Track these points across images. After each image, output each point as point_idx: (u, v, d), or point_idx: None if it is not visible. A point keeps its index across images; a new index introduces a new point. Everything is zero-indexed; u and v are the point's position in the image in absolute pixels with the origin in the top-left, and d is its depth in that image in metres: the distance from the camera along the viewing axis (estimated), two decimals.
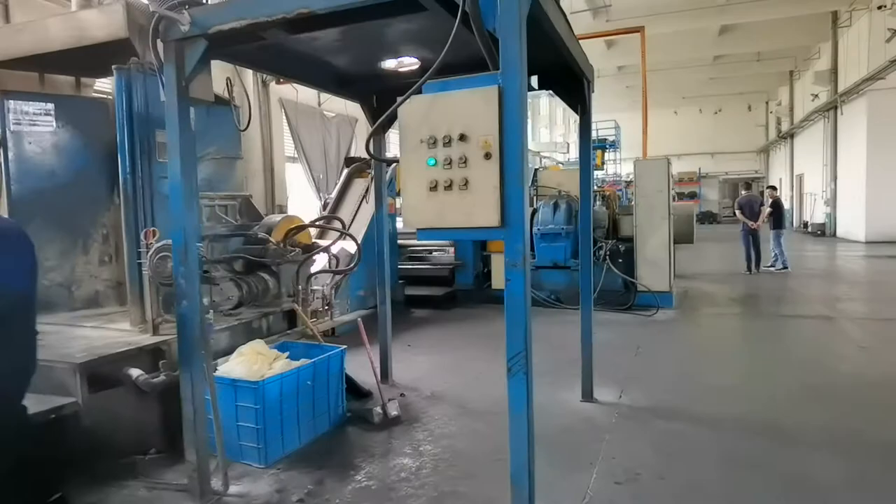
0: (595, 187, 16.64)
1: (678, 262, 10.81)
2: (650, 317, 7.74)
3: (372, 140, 4.19)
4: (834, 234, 20.60)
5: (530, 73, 4.59)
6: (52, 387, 3.37)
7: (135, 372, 3.69)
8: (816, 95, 22.11)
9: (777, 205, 12.11)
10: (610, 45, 22.53)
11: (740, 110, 34.55)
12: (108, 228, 5.16)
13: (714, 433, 3.92)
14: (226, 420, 3.68)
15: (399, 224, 9.60)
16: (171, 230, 3.25)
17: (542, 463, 3.51)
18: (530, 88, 4.73)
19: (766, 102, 33.66)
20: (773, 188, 12.96)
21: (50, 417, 3.22)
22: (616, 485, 3.24)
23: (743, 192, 12.53)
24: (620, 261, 8.65)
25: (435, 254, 10.17)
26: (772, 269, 11.97)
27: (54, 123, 4.90)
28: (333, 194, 8.97)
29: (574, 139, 28.90)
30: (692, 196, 34.98)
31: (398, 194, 9.16)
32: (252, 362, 3.86)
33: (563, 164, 25.66)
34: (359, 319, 4.84)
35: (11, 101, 4.60)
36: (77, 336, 4.21)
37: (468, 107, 2.33)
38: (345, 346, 4.33)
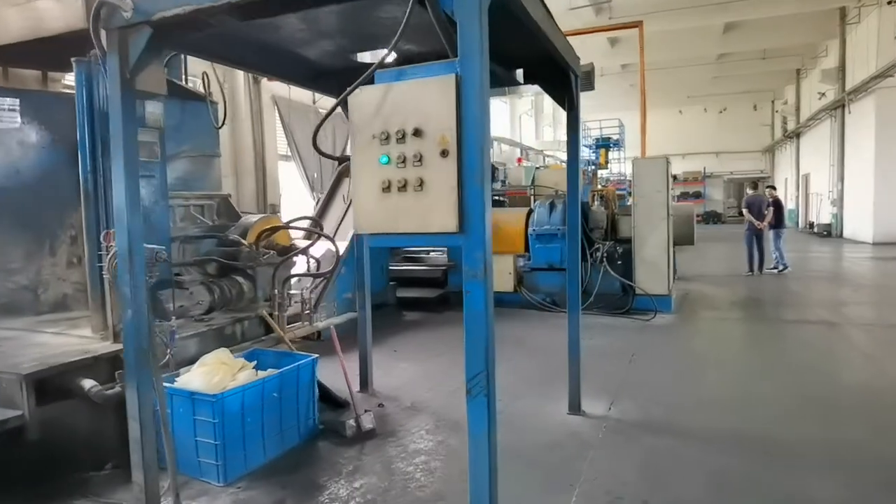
0: (599, 186, 16.41)
1: (679, 263, 10.54)
2: (648, 321, 7.48)
3: (330, 134, 3.95)
4: (840, 235, 20.24)
5: (514, 67, 4.37)
6: None
7: (88, 383, 3.47)
8: (823, 94, 21.74)
9: (777, 204, 11.83)
10: (613, 43, 22.26)
11: (746, 109, 34.18)
12: (76, 229, 4.94)
13: (706, 449, 3.67)
14: (184, 435, 3.47)
15: None
16: (116, 234, 3.00)
17: (519, 483, 3.29)
18: (514, 83, 4.50)
19: (772, 101, 33.26)
20: (773, 188, 12.67)
21: None
22: None
23: (749, 192, 12.24)
24: (619, 262, 8.39)
25: (432, 255, 9.94)
26: (774, 270, 11.69)
27: (19, 119, 4.70)
28: (323, 194, 8.75)
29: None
30: (697, 196, 34.64)
31: None
32: (214, 373, 3.64)
33: (565, 162, 25.38)
34: (332, 327, 4.61)
35: None
36: (35, 343, 4.00)
37: (423, 98, 2.10)
38: (317, 355, 4.10)
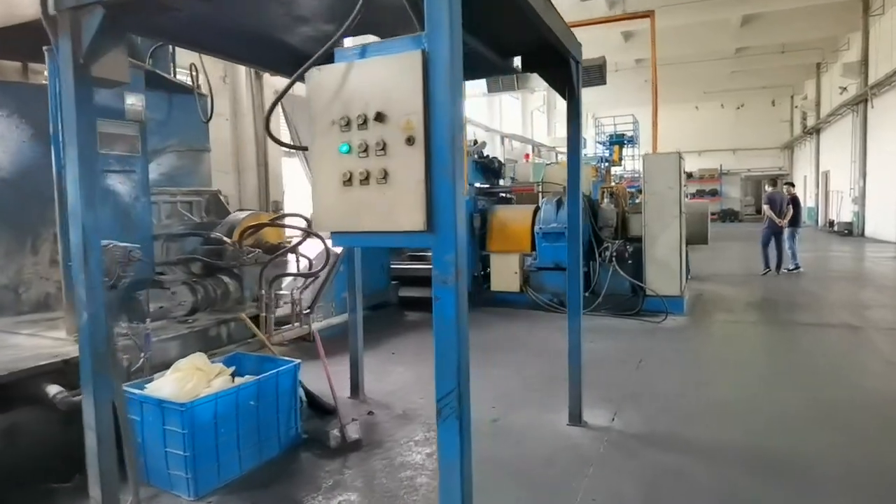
0: (613, 183, 16.03)
1: (693, 262, 10.18)
2: (658, 324, 7.17)
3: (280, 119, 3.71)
4: (862, 234, 19.65)
5: (511, 54, 4.09)
6: None
7: (53, 389, 3.27)
8: (845, 88, 21.11)
9: (795, 202, 11.42)
10: (627, 37, 21.82)
11: (764, 105, 33.45)
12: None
13: (714, 467, 3.37)
14: (154, 445, 3.26)
15: None
16: (70, 231, 2.79)
17: (508, 503, 3.05)
18: (511, 71, 4.23)
19: (791, 97, 32.52)
20: (791, 184, 12.22)
21: None
22: None
23: (769, 189, 11.86)
24: (629, 262, 8.07)
25: None
26: (794, 269, 11.29)
27: None
28: None
29: (592, 133, 28.25)
30: (713, 193, 34.00)
31: None
32: (187, 379, 3.42)
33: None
34: (314, 331, 4.39)
35: None
36: (7, 345, 3.81)
37: (386, 78, 1.85)
38: (298, 361, 3.87)
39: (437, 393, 1.86)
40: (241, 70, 10.05)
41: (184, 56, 5.82)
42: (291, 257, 5.07)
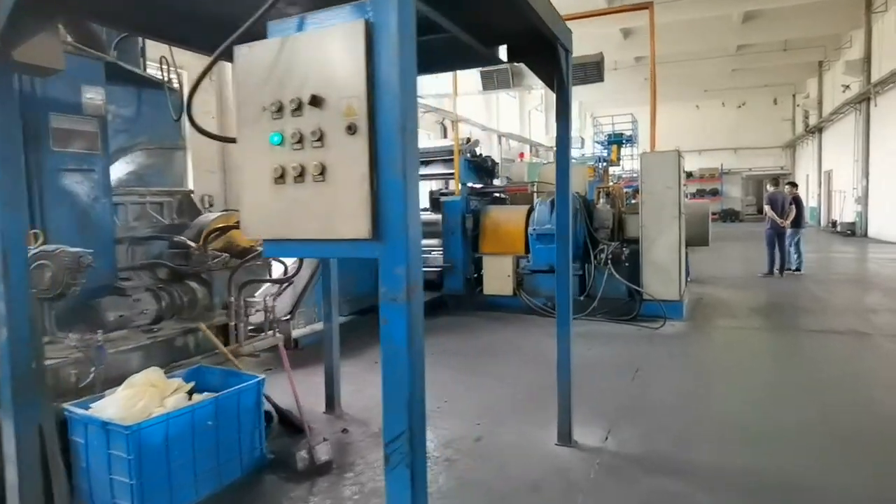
0: (611, 183, 15.70)
1: (693, 264, 9.88)
2: (656, 330, 6.86)
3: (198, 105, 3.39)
4: (865, 235, 19.33)
5: (495, 42, 3.79)
6: None
7: None
8: (847, 86, 20.79)
9: (797, 202, 11.10)
10: (626, 34, 21.52)
11: (765, 104, 33.13)
12: None
13: (715, 496, 3.06)
14: (100, 472, 2.96)
15: None
16: None
17: None
18: (496, 61, 3.92)
19: (793, 95, 32.19)
20: (794, 184, 11.90)
21: None
22: None
23: (771, 188, 11.52)
24: (626, 265, 7.76)
25: (434, 254, 9.37)
26: (796, 271, 10.99)
27: None
28: None
29: (590, 133, 27.93)
30: (714, 193, 33.69)
31: None
32: (139, 397, 3.11)
33: (576, 159, 24.71)
34: (280, 344, 4.08)
35: None
36: None
37: (324, 54, 1.54)
38: (263, 376, 3.56)
39: (384, 435, 1.55)
40: (228, 66, 9.74)
41: (156, 50, 5.50)
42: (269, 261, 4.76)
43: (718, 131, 33.50)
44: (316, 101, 1.53)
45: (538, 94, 26.00)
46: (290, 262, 5.84)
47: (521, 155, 19.15)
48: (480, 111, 21.97)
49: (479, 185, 9.54)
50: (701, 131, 33.00)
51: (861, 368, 5.36)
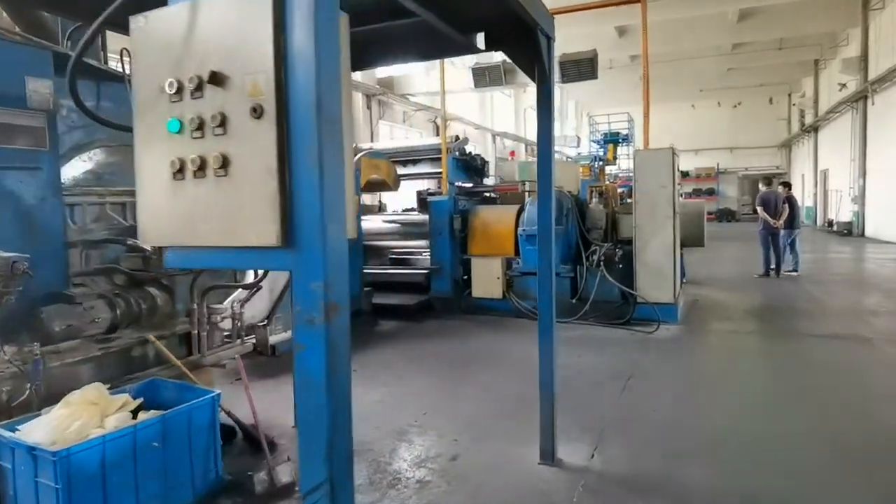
0: (607, 182, 15.44)
1: (688, 265, 9.62)
2: (650, 334, 6.59)
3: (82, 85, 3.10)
4: (862, 234, 19.12)
5: (472, 30, 3.52)
6: None
7: None
8: (844, 85, 20.58)
9: (791, 202, 10.84)
10: (622, 33, 21.31)
11: (761, 103, 32.95)
12: None
13: None
14: (26, 501, 2.67)
15: (365, 223, 8.56)
16: None
17: None
18: (474, 50, 3.65)
19: (789, 94, 32.02)
20: (787, 184, 11.63)
21: None
22: None
23: (763, 188, 11.19)
24: (619, 266, 7.49)
25: (425, 255, 9.08)
26: (789, 271, 10.74)
27: None
28: None
29: (586, 132, 27.68)
30: (710, 193, 33.52)
31: (362, 190, 8.12)
32: (75, 416, 2.83)
33: (572, 158, 24.45)
34: (237, 355, 3.80)
35: None
36: None
37: (226, 21, 1.25)
38: (218, 392, 3.28)
39: (301, 485, 1.27)
40: None
41: (119, 42, 5.20)
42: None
43: (714, 131, 33.31)
44: (217, 79, 1.25)
45: (533, 92, 25.68)
46: None
47: (512, 154, 18.88)
48: (474, 110, 21.70)
49: (468, 185, 9.27)
50: (697, 131, 32.80)
51: (864, 376, 5.09)
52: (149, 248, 3.98)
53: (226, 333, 4.75)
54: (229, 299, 4.98)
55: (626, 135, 22.14)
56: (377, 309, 7.93)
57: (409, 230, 8.81)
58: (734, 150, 33.81)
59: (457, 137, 9.66)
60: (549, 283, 3.40)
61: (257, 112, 1.21)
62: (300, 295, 1.22)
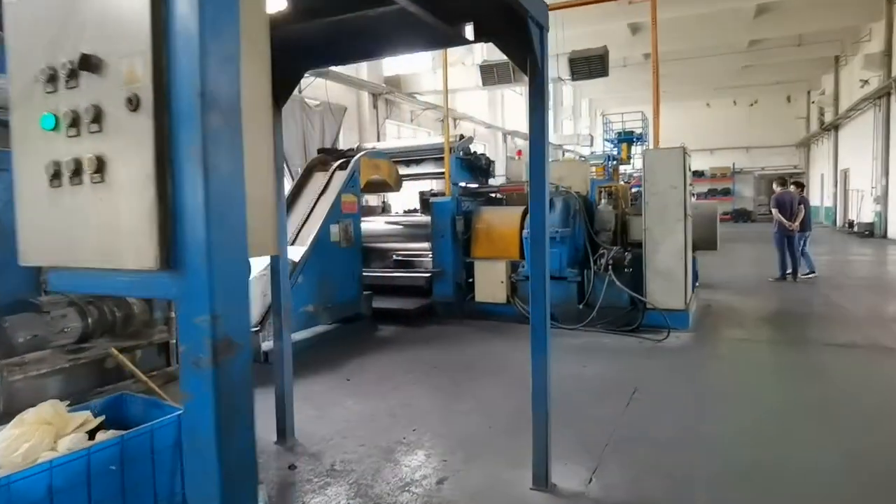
0: (622, 182, 15.09)
1: (702, 267, 9.25)
2: (659, 342, 6.29)
3: None
4: (884, 236, 18.54)
5: (460, 20, 3.27)
6: None
7: None
8: (866, 81, 19.97)
9: (804, 203, 10.44)
10: (635, 31, 20.91)
11: (778, 101, 32.28)
12: None
13: None
14: None
15: (366, 224, 8.34)
16: None
17: None
18: (462, 41, 3.40)
19: (808, 92, 31.30)
20: (800, 185, 11.20)
21: None
22: None
23: (778, 189, 10.78)
24: (628, 270, 7.18)
25: (429, 257, 8.84)
26: (811, 275, 10.33)
27: None
28: (287, 190, 7.73)
29: (599, 131, 27.26)
30: (725, 193, 32.93)
31: (362, 190, 7.90)
32: (25, 438, 2.62)
33: (584, 157, 24.08)
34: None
35: None
36: None
37: None
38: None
39: None
40: None
41: None
42: None
43: (730, 130, 32.70)
44: (89, 64, 1.02)
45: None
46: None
47: (519, 153, 18.55)
48: (484, 108, 21.42)
49: (473, 185, 9.01)
50: (712, 130, 32.23)
51: (888, 392, 4.75)
52: None
53: None
54: None
55: (641, 134, 21.75)
56: (377, 313, 7.70)
57: (411, 232, 8.58)
58: (750, 150, 33.17)
59: (461, 136, 9.39)
60: (542, 292, 3.15)
61: (133, 103, 0.98)
62: (184, 330, 0.99)
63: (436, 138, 13.93)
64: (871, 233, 19.12)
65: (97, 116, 1.02)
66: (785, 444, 3.72)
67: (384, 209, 10.17)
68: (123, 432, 2.81)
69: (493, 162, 9.30)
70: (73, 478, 2.56)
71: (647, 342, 6.31)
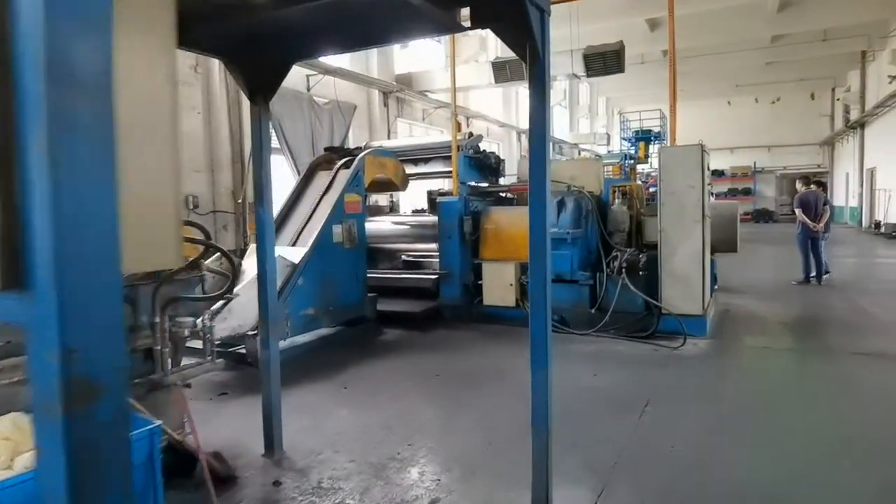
0: (639, 181, 14.75)
1: (721, 270, 8.89)
2: (675, 350, 5.98)
3: None
4: None
5: (456, 4, 3.02)
6: None
7: None
8: (895, 77, 19.30)
9: (826, 203, 10.04)
10: (653, 27, 20.43)
11: (802, 99, 31.45)
12: None
13: None
14: None
15: (372, 224, 8.13)
16: None
17: None
18: (458, 28, 3.16)
19: (833, 89, 30.45)
20: (822, 184, 10.75)
21: None
22: None
23: (802, 188, 10.35)
24: (642, 273, 6.88)
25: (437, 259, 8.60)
26: (826, 275, 9.91)
27: None
28: (290, 189, 7.55)
29: (617, 130, 26.81)
30: (746, 192, 32.23)
31: (367, 189, 7.68)
32: None
33: (600, 156, 23.68)
34: (178, 384, 3.38)
35: None
36: None
37: None
38: (159, 423, 2.85)
39: None
40: (215, 60, 9.15)
41: None
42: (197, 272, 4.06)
43: (751, 128, 31.96)
44: None
45: (560, 87, 24.98)
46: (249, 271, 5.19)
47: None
48: (499, 107, 21.12)
49: (483, 185, 8.75)
50: (733, 128, 31.55)
51: None
52: None
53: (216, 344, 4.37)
54: (214, 308, 4.58)
55: (659, 132, 21.32)
56: (382, 316, 7.49)
57: (418, 232, 8.34)
58: (772, 149, 32.40)
59: (470, 134, 9.14)
60: (543, 300, 2.89)
61: None
62: (33, 367, 0.76)
63: (446, 136, 13.69)
64: None
65: None
66: (810, 470, 3.42)
67: (392, 209, 9.95)
68: None
69: (503, 160, 9.04)
70: (28, 500, 2.36)
71: (663, 350, 6.01)
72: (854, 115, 25.84)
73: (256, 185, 3.62)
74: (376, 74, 13.31)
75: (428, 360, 5.95)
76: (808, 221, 9.78)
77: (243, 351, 5.67)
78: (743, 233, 8.25)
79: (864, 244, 17.43)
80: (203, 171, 9.17)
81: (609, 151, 27.40)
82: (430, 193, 8.85)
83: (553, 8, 2.96)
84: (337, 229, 6.70)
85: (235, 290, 5.51)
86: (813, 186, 10.27)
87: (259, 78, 3.50)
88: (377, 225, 8.45)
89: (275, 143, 10.60)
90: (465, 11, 2.90)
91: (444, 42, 15.43)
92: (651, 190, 10.73)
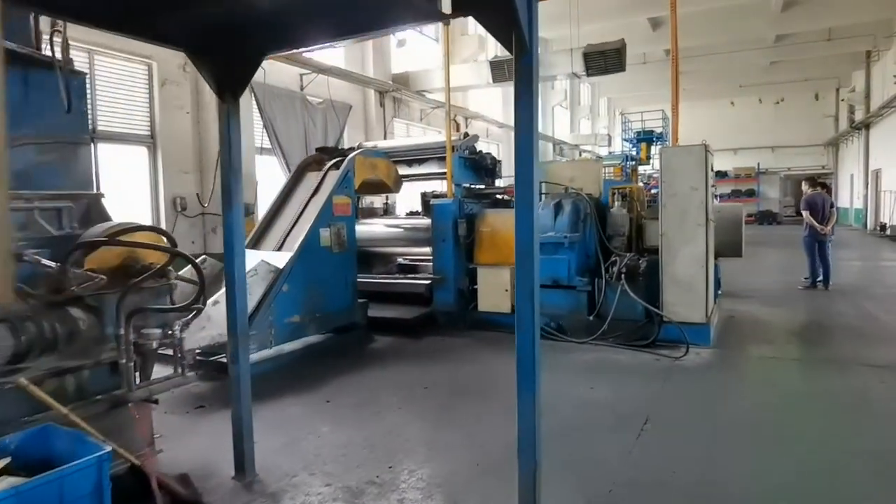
0: (640, 183, 14.48)
1: (725, 274, 8.61)
2: (677, 360, 5.71)
3: None
4: None
5: None
6: None
7: None
8: None
9: (832, 206, 9.79)
10: (655, 26, 20.16)
11: (806, 99, 31.17)
12: None
13: None
14: None
15: (364, 227, 7.88)
16: None
17: None
18: (439, 17, 2.90)
19: (837, 90, 30.18)
20: (826, 186, 10.48)
21: None
22: None
23: (808, 190, 10.08)
24: (644, 279, 6.61)
25: (424, 264, 8.36)
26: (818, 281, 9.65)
27: None
28: (277, 191, 7.30)
29: (618, 131, 26.53)
30: (750, 194, 31.93)
31: (357, 191, 7.43)
32: None
33: (599, 157, 23.40)
34: (144, 399, 3.15)
35: None
36: None
37: None
38: (109, 450, 2.60)
39: None
40: None
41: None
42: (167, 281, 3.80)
43: (755, 129, 31.67)
44: None
45: (561, 88, 24.72)
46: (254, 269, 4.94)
47: None
48: (497, 107, 20.87)
49: (479, 186, 8.49)
50: (736, 129, 31.23)
51: None
52: (49, 263, 3.35)
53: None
54: (186, 318, 4.32)
55: (661, 133, 21.05)
56: (374, 323, 7.23)
57: (412, 235, 8.09)
58: (776, 150, 32.12)
59: (466, 134, 8.88)
60: (531, 315, 2.62)
61: None
62: None
63: (443, 137, 13.44)
64: None
65: None
66: (821, 495, 3.14)
67: (387, 211, 9.70)
68: (23, 481, 2.37)
69: (499, 161, 8.77)
70: None
71: (664, 360, 5.74)
72: (859, 115, 25.55)
73: (225, 188, 3.36)
74: (372, 74, 13.06)
75: (418, 370, 5.68)
76: (816, 224, 9.52)
77: (224, 360, 5.42)
78: (747, 235, 7.98)
79: (869, 247, 17.13)
80: (191, 172, 8.92)
81: (610, 153, 27.14)
82: (423, 195, 8.60)
83: (553, 7, 2.71)
84: (325, 233, 6.45)
85: (215, 297, 5.30)
86: (819, 188, 10.01)
87: (228, 72, 3.24)
88: (369, 227, 8.20)
89: (267, 143, 10.35)
90: None
91: (442, 40, 15.18)
92: (652, 192, 10.47)
